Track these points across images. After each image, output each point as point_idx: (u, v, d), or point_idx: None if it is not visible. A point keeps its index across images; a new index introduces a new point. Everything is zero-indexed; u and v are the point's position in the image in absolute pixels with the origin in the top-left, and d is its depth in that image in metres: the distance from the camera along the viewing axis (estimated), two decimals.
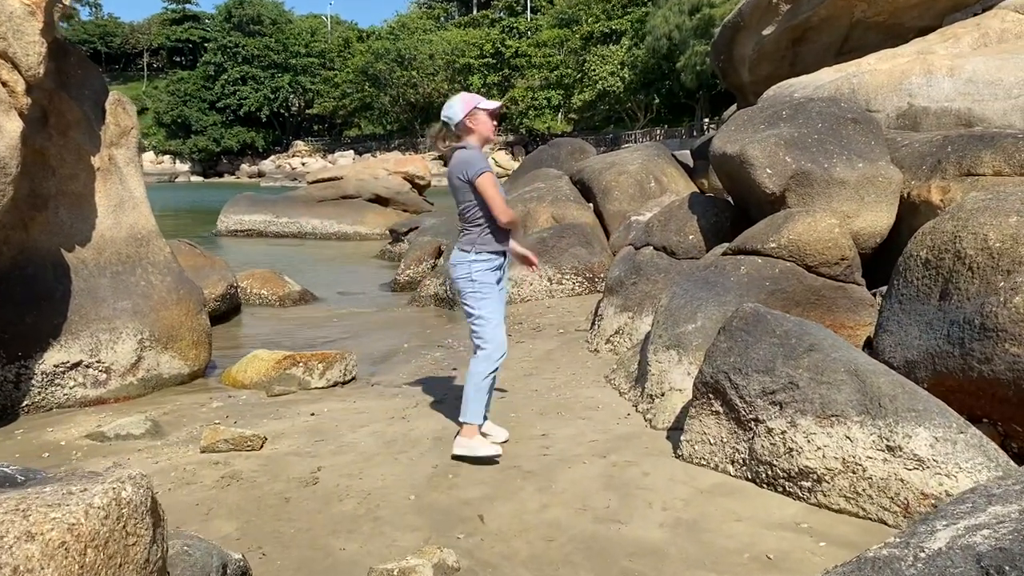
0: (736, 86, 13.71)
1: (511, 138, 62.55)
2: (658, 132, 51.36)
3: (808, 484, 3.22)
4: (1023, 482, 2.15)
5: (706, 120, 46.82)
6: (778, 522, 3.09)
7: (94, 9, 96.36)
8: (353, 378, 5.86)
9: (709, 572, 2.78)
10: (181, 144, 78.00)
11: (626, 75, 55.18)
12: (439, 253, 10.73)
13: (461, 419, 4.00)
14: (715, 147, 6.10)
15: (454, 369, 5.94)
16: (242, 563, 2.28)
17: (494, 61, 65.50)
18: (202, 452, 4.19)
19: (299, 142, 78.10)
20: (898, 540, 2.10)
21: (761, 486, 3.39)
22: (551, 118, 61.13)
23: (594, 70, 56.72)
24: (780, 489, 3.31)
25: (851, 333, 4.61)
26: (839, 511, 3.13)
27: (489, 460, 3.88)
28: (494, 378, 4.03)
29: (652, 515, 3.20)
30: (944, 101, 7.60)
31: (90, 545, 1.38)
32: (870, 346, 4.26)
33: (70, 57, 5.85)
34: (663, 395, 4.37)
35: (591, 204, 10.33)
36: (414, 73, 65.10)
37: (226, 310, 8.68)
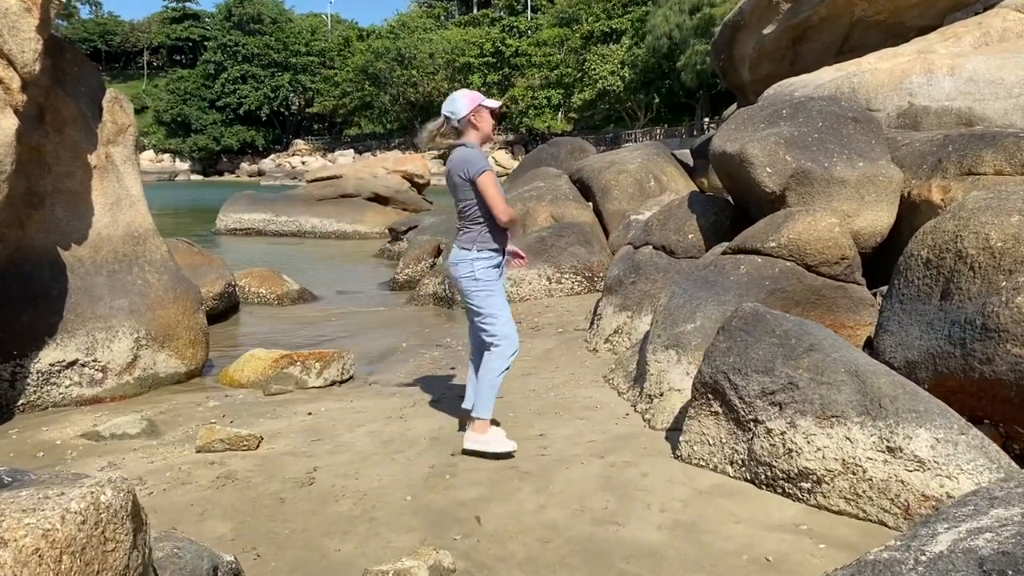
0: (736, 85, 13.69)
1: (511, 137, 62.52)
2: (658, 131, 51.33)
3: (808, 485, 3.19)
4: None
5: (706, 119, 46.80)
6: (777, 524, 3.06)
7: (94, 7, 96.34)
8: (351, 377, 5.83)
9: (707, 574, 2.75)
10: (181, 143, 77.99)
11: (626, 74, 55.16)
12: (438, 252, 10.70)
13: (473, 414, 4.02)
14: (715, 146, 6.07)
15: (452, 368, 5.91)
16: (234, 565, 2.26)
17: (494, 60, 65.47)
18: (198, 452, 4.17)
19: (299, 141, 78.08)
20: (899, 543, 2.07)
21: (760, 487, 3.36)
22: (551, 117, 61.11)
23: (594, 69, 56.71)
24: (779, 490, 3.28)
25: (851, 333, 4.58)
26: (839, 513, 3.10)
27: (505, 456, 3.86)
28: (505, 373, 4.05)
29: (650, 516, 3.17)
30: (945, 100, 7.57)
31: (66, 552, 1.34)
32: (870, 346, 4.23)
33: (67, 54, 5.83)
34: (662, 395, 4.34)
35: (590, 203, 10.31)
36: (414, 72, 65.07)
37: (224, 309, 8.65)
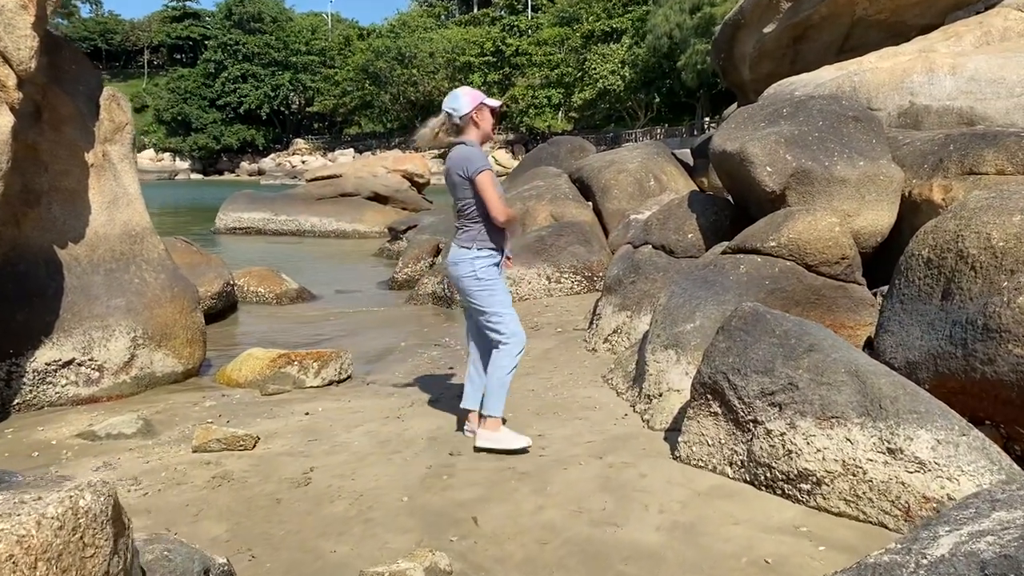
0: (737, 84, 13.66)
1: (511, 136, 62.51)
2: (659, 131, 51.31)
3: (807, 487, 3.16)
4: None
5: (707, 119, 46.78)
6: (777, 525, 3.04)
7: (94, 6, 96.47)
8: (348, 377, 5.81)
9: None
10: (181, 142, 78.02)
11: (627, 74, 55.14)
12: (437, 251, 10.67)
13: (484, 412, 4.02)
14: (715, 145, 6.04)
15: (451, 368, 5.89)
16: (226, 567, 2.23)
17: (495, 59, 65.46)
18: (194, 452, 4.14)
19: (299, 140, 78.11)
20: (899, 546, 2.04)
21: (760, 488, 3.33)
22: (551, 116, 61.09)
23: (595, 68, 56.69)
24: (779, 492, 3.26)
25: (851, 333, 4.55)
26: (839, 514, 3.07)
27: (520, 451, 3.88)
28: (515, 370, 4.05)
29: (648, 518, 3.14)
30: (946, 99, 7.54)
31: (41, 558, 1.31)
32: (871, 346, 4.20)
33: (64, 52, 5.80)
34: (661, 395, 4.31)
35: (590, 202, 10.28)
36: (414, 71, 65.07)
37: (222, 308, 8.62)
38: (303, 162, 65.76)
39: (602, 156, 11.60)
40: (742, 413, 3.43)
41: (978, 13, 9.55)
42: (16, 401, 5.08)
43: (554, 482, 3.51)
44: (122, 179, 5.90)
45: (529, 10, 69.60)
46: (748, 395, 3.41)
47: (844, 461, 3.08)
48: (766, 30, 11.59)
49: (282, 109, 79.76)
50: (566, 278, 8.33)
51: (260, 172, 68.31)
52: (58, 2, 5.23)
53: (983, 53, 8.02)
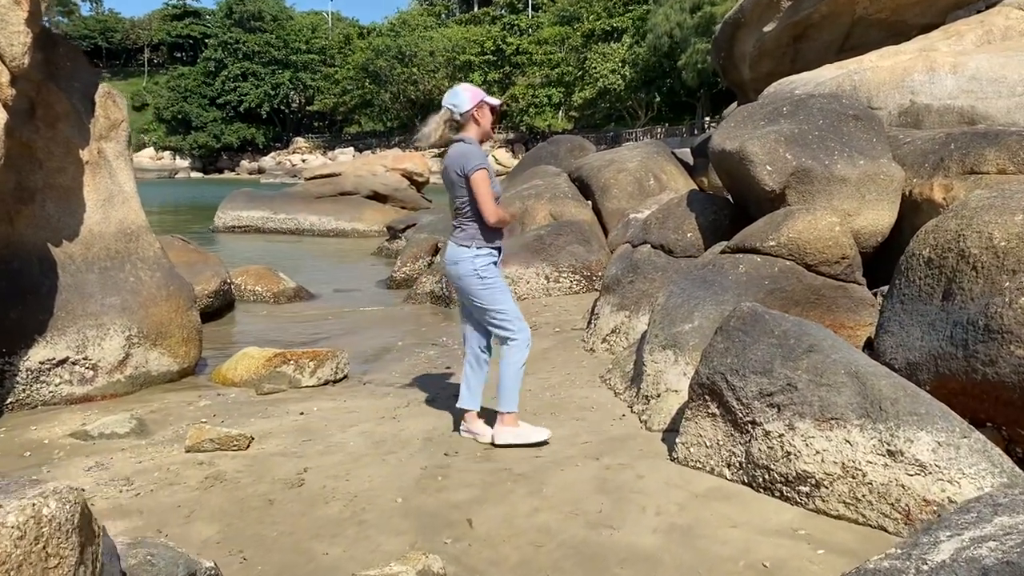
0: (737, 83, 13.61)
1: (511, 136, 62.47)
2: (659, 130, 51.25)
3: (806, 489, 3.12)
4: None
5: (707, 118, 46.74)
6: (775, 528, 3.00)
7: (95, 4, 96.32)
8: (345, 376, 5.77)
9: None
10: (181, 140, 77.97)
11: (627, 73, 55.08)
12: (435, 250, 10.63)
13: (501, 409, 4.03)
14: (714, 143, 5.99)
15: (448, 367, 5.85)
16: (214, 571, 2.19)
17: (495, 58, 65.42)
18: (187, 452, 4.10)
19: (299, 139, 78.10)
20: (899, 551, 2.00)
21: (758, 491, 3.29)
22: (552, 116, 61.04)
23: (595, 68, 56.63)
24: (777, 494, 3.22)
25: (851, 333, 4.51)
26: (838, 517, 3.03)
27: (542, 443, 3.93)
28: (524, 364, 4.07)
29: (645, 520, 3.10)
30: (947, 98, 7.50)
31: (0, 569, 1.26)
32: (871, 347, 4.17)
33: (59, 48, 5.76)
34: (659, 396, 4.27)
35: (589, 202, 10.24)
36: (415, 70, 65.01)
37: (219, 307, 8.58)
38: (303, 161, 65.74)
39: (602, 155, 11.56)
40: (740, 414, 3.40)
41: (979, 12, 9.51)
42: (9, 400, 5.04)
43: (550, 483, 3.47)
44: (117, 177, 5.86)
45: (530, 9, 69.56)
46: (746, 396, 3.38)
47: (843, 463, 3.04)
48: (766, 29, 11.55)
49: (282, 108, 79.73)
50: (565, 277, 8.29)
51: (260, 171, 68.28)
52: None
53: (984, 52, 7.98)
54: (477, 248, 3.98)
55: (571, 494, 3.36)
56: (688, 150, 13.44)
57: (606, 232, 9.66)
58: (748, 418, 3.36)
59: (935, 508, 2.82)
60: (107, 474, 3.84)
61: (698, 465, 3.56)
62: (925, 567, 1.86)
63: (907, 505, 2.88)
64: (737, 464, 3.40)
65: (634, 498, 3.29)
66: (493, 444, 4.01)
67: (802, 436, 3.16)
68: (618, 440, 3.99)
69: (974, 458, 2.87)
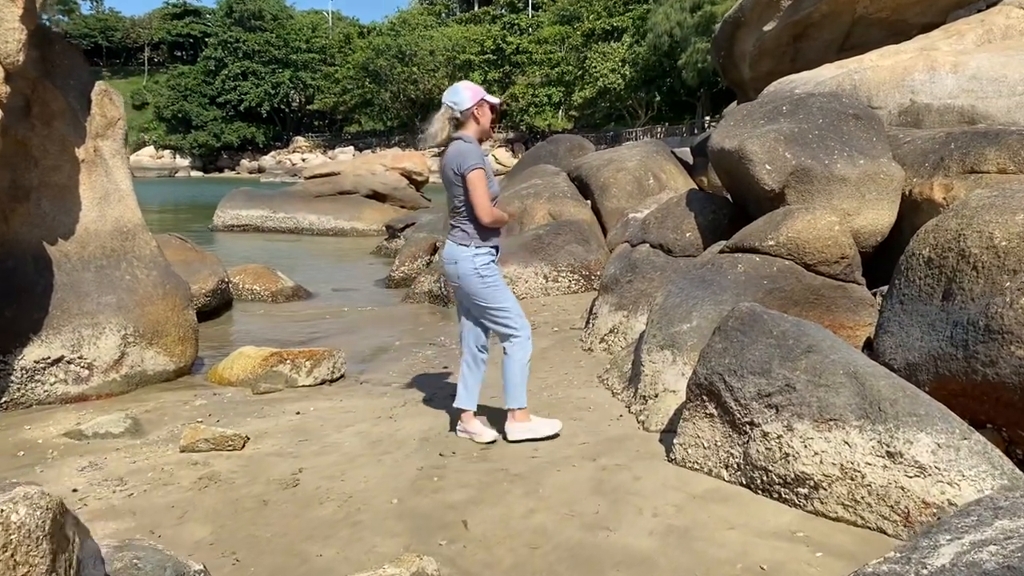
0: (737, 82, 13.58)
1: (511, 135, 62.43)
2: (659, 130, 51.20)
3: (805, 491, 3.09)
4: None
5: (707, 118, 46.68)
6: (773, 531, 2.96)
7: (95, 3, 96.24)
8: (341, 376, 5.74)
9: None
10: (181, 139, 77.91)
11: (627, 72, 55.03)
12: (434, 250, 10.60)
13: (510, 407, 4.07)
14: (713, 142, 5.96)
15: (445, 367, 5.81)
16: (203, 573, 2.16)
17: (495, 57, 65.36)
18: (181, 452, 4.08)
19: (299, 138, 78.07)
20: (899, 555, 1.97)
21: (756, 492, 3.26)
22: (552, 115, 61.00)
23: (595, 67, 56.58)
24: (775, 496, 3.19)
25: (851, 334, 4.48)
26: (836, 519, 3.00)
27: (554, 436, 4.02)
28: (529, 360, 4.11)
29: (642, 522, 3.07)
30: (947, 98, 7.47)
31: None
32: (870, 347, 4.13)
33: (55, 46, 5.73)
34: (656, 396, 4.24)
35: (589, 201, 10.20)
36: (415, 69, 64.95)
37: (217, 306, 8.55)
38: (303, 160, 65.72)
39: (601, 154, 11.52)
40: (738, 415, 3.37)
41: (980, 11, 9.47)
42: (3, 399, 5.02)
43: (546, 484, 3.44)
44: (114, 175, 5.83)
45: (530, 8, 69.49)
46: (744, 397, 3.35)
47: (842, 465, 3.01)
48: (766, 28, 11.51)
49: (282, 107, 79.66)
50: (563, 277, 8.26)
51: (260, 170, 68.24)
52: None
53: (985, 51, 7.95)
54: (476, 247, 3.97)
55: (567, 495, 3.33)
56: (688, 149, 13.40)
57: (605, 231, 9.62)
58: (746, 419, 3.33)
59: (935, 510, 2.79)
60: (100, 474, 3.81)
61: (696, 466, 3.53)
62: (925, 571, 1.83)
63: (906, 507, 2.85)
64: (735, 465, 3.37)
65: (631, 499, 3.26)
66: (506, 440, 4.04)
67: (800, 437, 3.13)
68: (615, 441, 3.95)
69: (974, 460, 2.84)
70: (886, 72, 7.88)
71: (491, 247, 4.03)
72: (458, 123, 4.03)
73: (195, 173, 75.40)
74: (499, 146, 57.94)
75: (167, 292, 5.84)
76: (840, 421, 3.07)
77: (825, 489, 3.04)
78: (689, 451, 3.57)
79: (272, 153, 74.61)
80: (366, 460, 3.86)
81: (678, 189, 9.64)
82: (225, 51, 76.85)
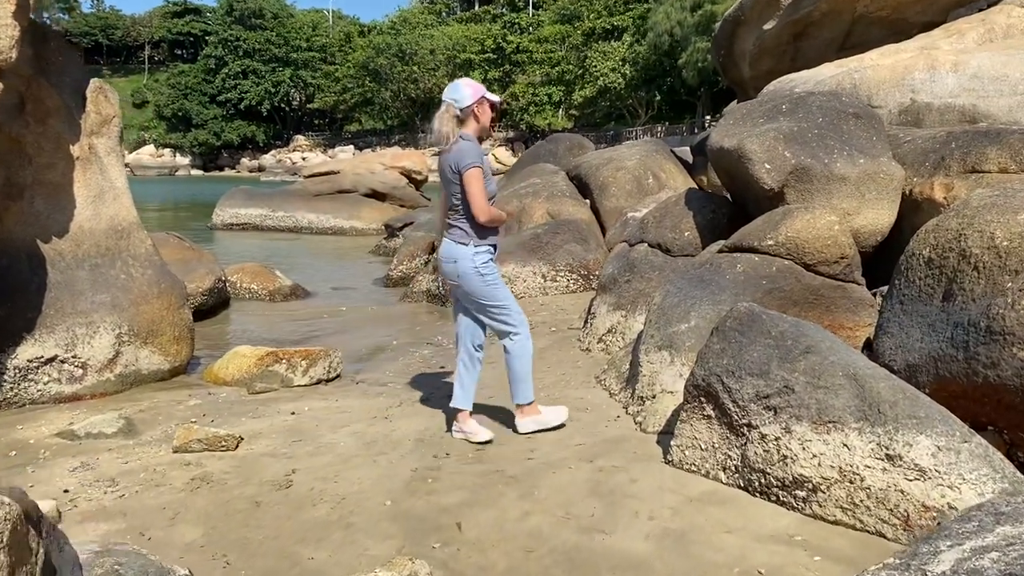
0: (737, 81, 13.53)
1: (511, 134, 62.40)
2: (659, 129, 51.17)
3: (803, 494, 3.06)
4: None
5: (708, 117, 46.64)
6: (770, 534, 2.93)
7: (96, 1, 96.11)
8: (338, 375, 5.70)
9: None
10: (181, 137, 77.86)
11: (627, 71, 54.99)
12: (432, 248, 10.54)
13: (518, 402, 4.11)
14: (712, 141, 5.92)
15: (442, 367, 5.78)
16: None
17: (495, 56, 65.32)
18: (174, 452, 4.04)
19: (300, 137, 78.03)
20: (898, 561, 1.94)
21: (754, 495, 3.22)
22: (552, 114, 60.96)
23: (595, 66, 56.53)
24: (773, 498, 3.15)
25: (850, 334, 4.44)
26: (835, 523, 2.96)
27: (561, 426, 4.12)
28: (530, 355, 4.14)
29: (638, 525, 3.03)
30: (948, 97, 7.43)
31: None
32: (870, 348, 4.10)
33: (50, 43, 5.68)
34: (654, 397, 4.20)
35: (588, 200, 10.16)
36: (415, 68, 64.91)
37: (213, 305, 8.51)
38: (303, 159, 65.63)
39: (600, 153, 11.47)
40: (736, 417, 3.33)
41: (981, 10, 9.43)
42: None
43: (542, 487, 3.40)
44: (109, 173, 5.79)
45: (530, 7, 69.45)
46: (742, 398, 3.31)
47: (841, 467, 2.97)
48: (766, 27, 11.47)
49: (283, 105, 79.60)
50: (562, 276, 8.22)
51: (260, 168, 68.17)
52: None
53: (986, 50, 7.90)
54: (475, 246, 3.96)
55: (563, 497, 3.29)
56: (688, 149, 13.36)
57: (604, 231, 9.58)
58: (744, 421, 3.29)
59: (935, 514, 2.75)
60: (92, 475, 3.77)
61: (693, 468, 3.49)
62: None
63: (906, 511, 2.82)
64: (733, 468, 3.33)
65: (627, 502, 3.22)
66: (517, 433, 4.10)
67: (799, 439, 3.09)
68: (612, 442, 3.92)
69: (975, 463, 2.80)
70: (886, 71, 7.83)
71: (489, 245, 4.02)
72: (458, 120, 4.01)
73: (195, 172, 75.34)
74: (499, 145, 57.90)
75: (162, 291, 5.80)
76: (839, 423, 3.03)
77: (824, 492, 3.00)
78: (686, 453, 3.53)
79: (272, 152, 74.56)
80: (360, 461, 3.82)
81: (677, 188, 9.60)
82: (225, 49, 76.83)
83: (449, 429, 4.22)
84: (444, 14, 78.37)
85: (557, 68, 60.47)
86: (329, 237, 17.80)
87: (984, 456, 2.83)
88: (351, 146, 67.74)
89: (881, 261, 5.30)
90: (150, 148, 77.68)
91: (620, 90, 55.91)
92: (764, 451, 3.19)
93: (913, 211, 5.44)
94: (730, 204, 6.20)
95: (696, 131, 43.17)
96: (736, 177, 5.75)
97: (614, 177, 10.05)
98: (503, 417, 4.38)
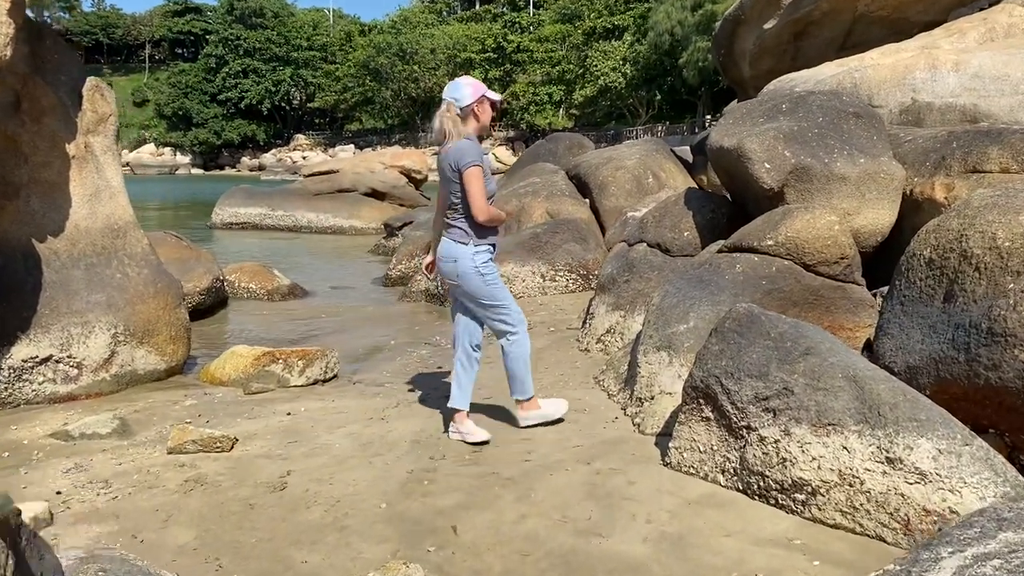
0: (737, 81, 13.50)
1: (512, 133, 62.35)
2: (660, 128, 51.12)
3: (802, 497, 3.02)
4: None
5: (708, 117, 46.60)
6: (769, 538, 2.89)
7: (96, 0, 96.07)
8: (335, 376, 5.67)
9: None
10: (182, 136, 77.85)
11: (628, 71, 54.94)
12: (428, 249, 10.50)
13: (518, 397, 4.16)
14: (712, 141, 5.88)
15: (439, 367, 5.74)
16: None
17: (496, 56, 65.28)
18: (169, 453, 4.00)
19: (300, 136, 78.03)
20: (898, 568, 1.90)
21: (752, 498, 3.19)
22: (552, 114, 60.92)
23: (596, 66, 56.49)
24: (772, 501, 3.12)
25: (850, 335, 4.41)
26: (835, 526, 2.93)
27: (560, 420, 4.19)
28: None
29: (636, 528, 3.00)
30: (949, 96, 7.39)
31: None
32: (870, 349, 4.06)
33: (46, 41, 5.65)
34: (652, 398, 4.17)
35: (587, 200, 10.12)
36: (416, 67, 64.87)
37: (211, 304, 8.48)
38: (304, 158, 65.57)
39: (600, 153, 11.44)
40: (735, 419, 3.29)
41: (982, 10, 9.39)
42: None
43: (539, 489, 3.37)
44: (105, 172, 5.75)
45: (531, 7, 69.41)
46: (741, 400, 3.27)
47: (840, 470, 2.94)
48: (767, 26, 11.43)
49: (283, 105, 79.58)
50: (561, 276, 8.19)
51: (261, 167, 68.15)
52: None
53: (987, 50, 7.87)
54: (475, 245, 3.94)
55: (560, 500, 3.26)
56: (688, 148, 13.32)
57: (604, 230, 9.54)
58: (743, 423, 3.26)
59: (935, 518, 2.72)
60: (85, 476, 3.74)
61: (691, 471, 3.46)
62: None
63: (906, 515, 2.78)
64: (731, 470, 3.30)
65: (624, 505, 3.19)
66: (519, 427, 4.16)
67: (798, 442, 3.06)
68: (610, 444, 3.88)
69: (976, 467, 2.77)
70: (887, 70, 7.80)
71: (489, 245, 4.01)
72: (458, 119, 4.00)
73: (196, 171, 75.28)
74: (499, 144, 57.88)
75: (158, 290, 5.76)
76: (839, 426, 2.99)
77: (823, 495, 2.97)
78: (685, 455, 3.49)
79: (273, 151, 74.53)
80: (356, 462, 3.79)
81: (677, 188, 9.56)
82: (226, 48, 76.83)
83: (446, 430, 4.18)
84: (445, 13, 78.31)
85: (558, 67, 60.43)
86: (328, 236, 17.77)
87: (985, 459, 2.80)
88: (351, 145, 67.72)
89: (881, 261, 5.27)
90: (150, 147, 77.65)
91: (621, 89, 55.86)
92: (763, 453, 3.15)
93: (914, 211, 5.41)
94: (730, 204, 6.16)
95: (697, 130, 43.13)
96: (736, 177, 5.72)
97: (613, 176, 10.01)
98: (501, 417, 4.35)
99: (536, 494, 3.32)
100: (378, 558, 2.85)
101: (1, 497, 1.63)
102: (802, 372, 3.18)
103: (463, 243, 3.95)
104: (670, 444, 3.58)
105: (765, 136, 5.38)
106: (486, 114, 4.03)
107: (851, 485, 2.91)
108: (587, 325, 6.07)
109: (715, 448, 3.38)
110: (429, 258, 4.43)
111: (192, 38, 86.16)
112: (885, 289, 4.33)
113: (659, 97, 55.31)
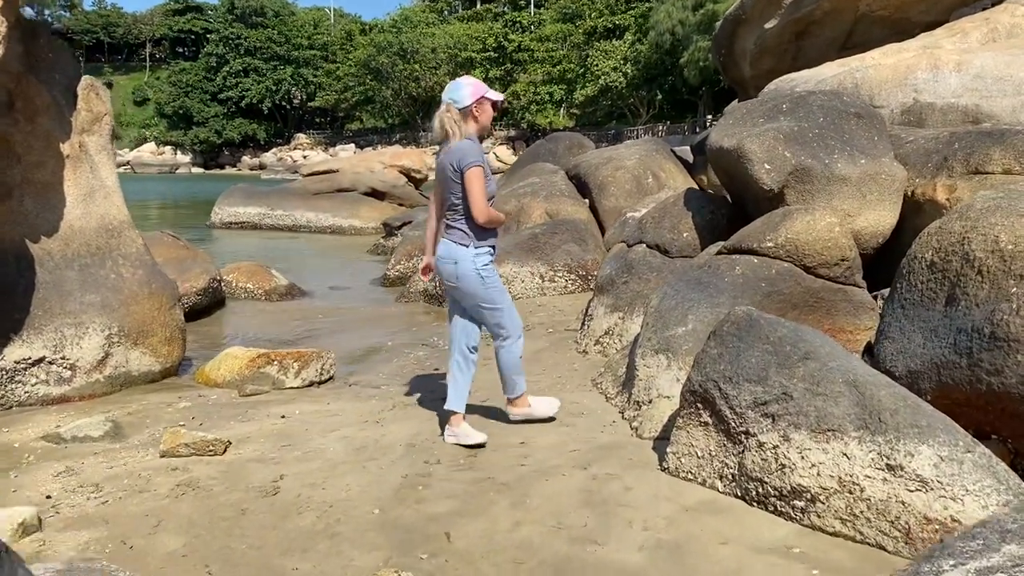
0: (737, 81, 13.45)
1: (512, 133, 62.28)
2: (660, 128, 51.06)
3: (801, 504, 2.97)
4: None
5: (709, 116, 46.53)
6: (768, 545, 2.84)
7: None
8: (330, 378, 5.62)
9: None
10: (182, 135, 77.81)
11: (629, 70, 54.88)
12: (422, 251, 10.45)
13: (511, 396, 4.18)
14: (712, 141, 5.84)
15: (436, 369, 5.69)
16: None
17: (496, 55, 65.21)
18: (161, 457, 3.96)
19: (301, 135, 77.96)
20: None
21: (751, 504, 3.14)
22: (553, 113, 60.86)
23: (597, 65, 56.43)
24: (771, 508, 3.07)
25: (850, 338, 4.36)
26: (834, 534, 2.88)
27: (551, 419, 4.19)
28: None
29: (632, 535, 2.95)
30: (951, 97, 7.35)
31: None
32: (870, 353, 4.01)
33: (40, 39, 5.60)
34: (650, 402, 4.12)
35: (587, 200, 10.07)
36: (416, 66, 64.78)
37: (208, 304, 8.43)
38: (304, 157, 65.51)
39: (600, 153, 11.38)
40: (733, 424, 3.24)
41: (984, 10, 9.35)
42: None
43: (534, 495, 3.32)
44: (99, 171, 5.71)
45: (532, 6, 69.32)
46: (740, 405, 3.22)
47: (840, 477, 2.89)
48: (767, 26, 11.39)
49: (284, 104, 79.52)
50: (560, 277, 8.14)
51: (262, 167, 68.08)
52: None
53: (989, 50, 7.82)
54: (475, 247, 3.91)
55: (555, 506, 3.21)
56: (688, 148, 13.27)
57: (603, 231, 9.49)
58: (741, 428, 3.21)
59: (937, 526, 2.67)
60: (76, 480, 3.69)
61: (689, 476, 3.41)
62: None
63: (907, 523, 2.73)
64: (729, 476, 3.25)
65: (621, 511, 3.14)
66: (508, 421, 4.21)
67: (797, 448, 3.01)
68: (607, 448, 3.83)
69: (978, 474, 2.72)
70: (889, 70, 7.75)
71: (489, 247, 3.97)
72: (458, 120, 3.95)
73: (196, 169, 75.22)
74: (500, 144, 57.82)
75: (153, 291, 5.72)
76: (838, 432, 2.95)
77: (822, 502, 2.92)
78: (682, 460, 3.45)
79: (273, 150, 74.44)
80: (349, 467, 3.74)
81: (677, 188, 9.49)
82: (227, 47, 76.79)
83: (441, 434, 4.13)
84: (446, 12, 78.20)
85: (558, 67, 60.37)
86: (327, 236, 17.72)
87: (988, 467, 2.75)
88: (352, 144, 67.63)
89: (882, 263, 5.22)
90: (151, 146, 77.59)
91: (621, 89, 55.79)
92: (762, 459, 3.10)
93: (915, 213, 5.36)
94: (729, 205, 6.12)
95: (697, 130, 43.08)
96: (736, 177, 5.67)
97: (613, 177, 9.96)
98: (497, 420, 4.30)
99: (531, 500, 3.27)
100: (370, 566, 2.80)
101: None
102: (801, 377, 3.13)
103: (464, 245, 3.91)
104: (668, 449, 3.53)
105: (765, 136, 5.33)
106: (486, 114, 4.00)
107: (851, 492, 2.86)
108: (585, 327, 6.02)
109: (713, 453, 3.33)
110: (425, 261, 4.38)
111: (193, 37, 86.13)
112: (886, 292, 4.28)
113: (660, 97, 55.24)
